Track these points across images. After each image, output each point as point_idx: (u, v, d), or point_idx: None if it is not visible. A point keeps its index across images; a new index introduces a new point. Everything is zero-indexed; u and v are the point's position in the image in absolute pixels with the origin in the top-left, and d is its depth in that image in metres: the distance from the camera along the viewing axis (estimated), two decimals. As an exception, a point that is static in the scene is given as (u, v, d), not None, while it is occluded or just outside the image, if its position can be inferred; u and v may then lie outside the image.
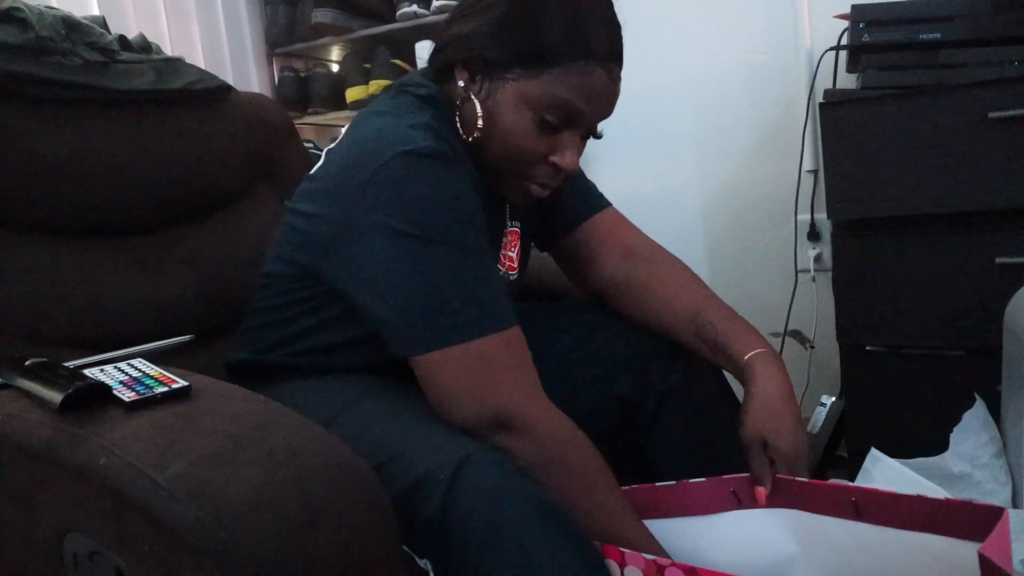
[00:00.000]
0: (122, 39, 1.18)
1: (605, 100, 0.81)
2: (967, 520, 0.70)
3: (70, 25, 1.07)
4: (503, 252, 0.95)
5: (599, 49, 0.77)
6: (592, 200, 1.01)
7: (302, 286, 0.85)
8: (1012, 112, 1.12)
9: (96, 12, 1.42)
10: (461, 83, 0.81)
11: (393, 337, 0.75)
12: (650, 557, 0.70)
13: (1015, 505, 1.02)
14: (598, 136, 0.85)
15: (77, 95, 1.04)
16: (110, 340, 1.01)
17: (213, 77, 1.23)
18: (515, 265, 0.96)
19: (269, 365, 0.89)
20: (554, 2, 0.77)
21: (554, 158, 0.81)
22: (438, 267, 0.73)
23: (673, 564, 0.68)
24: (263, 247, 0.99)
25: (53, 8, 1.09)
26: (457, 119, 0.82)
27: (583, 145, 0.84)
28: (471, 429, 0.72)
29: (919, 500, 0.73)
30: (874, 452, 1.05)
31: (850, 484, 0.78)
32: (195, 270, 1.14)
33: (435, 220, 0.73)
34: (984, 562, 0.61)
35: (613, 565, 0.72)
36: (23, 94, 0.99)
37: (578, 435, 0.76)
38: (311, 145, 1.83)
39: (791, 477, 0.80)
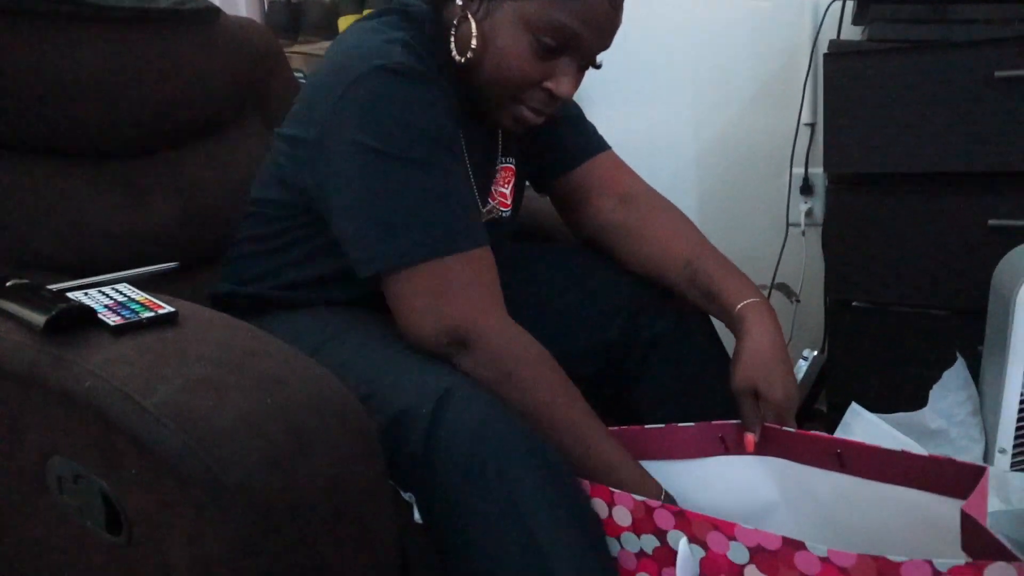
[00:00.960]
0: (103, -47, 1.13)
1: (605, 27, 0.78)
2: (948, 476, 0.71)
3: (49, -65, 1.02)
4: (495, 187, 0.93)
5: None
6: (591, 142, 0.99)
7: (288, 215, 0.84)
8: (1019, 72, 1.10)
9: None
10: (459, 1, 0.79)
11: (357, 256, 0.75)
12: (639, 498, 0.70)
13: (985, 462, 1.04)
14: (597, 66, 0.82)
15: (58, 9, 0.99)
16: (93, 265, 0.99)
17: (200, -1, 1.19)
18: (508, 202, 0.95)
19: (254, 297, 0.88)
20: None
21: (549, 84, 0.79)
22: (402, 185, 0.72)
23: (662, 506, 0.69)
24: (251, 176, 0.97)
25: (31, -85, 1.03)
26: (452, 39, 0.80)
27: (581, 75, 0.82)
28: (430, 348, 0.73)
29: (902, 455, 0.74)
30: (854, 406, 1.07)
31: (836, 436, 0.79)
32: (181, 197, 1.11)
33: (402, 137, 0.72)
34: (966, 519, 0.63)
35: (601, 504, 0.73)
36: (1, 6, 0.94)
37: (534, 350, 0.75)
38: (301, 75, 1.78)
39: (778, 426, 0.81)
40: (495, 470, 0.65)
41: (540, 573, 0.63)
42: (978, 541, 0.62)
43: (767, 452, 0.82)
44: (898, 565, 0.58)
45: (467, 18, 0.78)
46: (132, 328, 0.60)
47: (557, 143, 0.97)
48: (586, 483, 0.74)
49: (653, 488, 0.76)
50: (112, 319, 0.61)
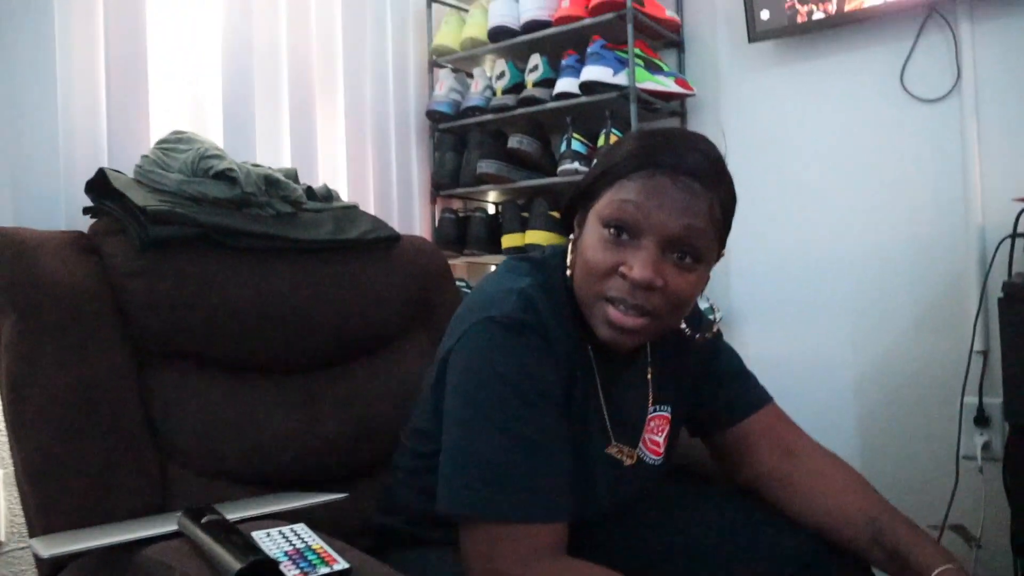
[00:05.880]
0: (308, 189, 1.30)
1: (668, 202, 0.77)
2: None
3: (270, 182, 1.19)
4: (648, 436, 0.93)
5: (663, 161, 0.78)
6: (754, 396, 0.98)
7: (433, 450, 0.85)
8: None
9: (289, 164, 1.58)
10: (571, 239, 0.86)
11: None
12: None
13: None
14: (697, 258, 0.79)
15: (267, 244, 1.14)
16: (271, 477, 1.06)
17: (384, 226, 1.32)
18: (660, 450, 0.94)
19: (402, 532, 0.91)
20: (632, 136, 0.83)
21: (623, 268, 0.78)
22: (478, 440, 0.76)
23: None
24: (414, 389, 1.03)
25: (259, 166, 1.22)
26: (568, 271, 0.85)
27: (659, 257, 0.78)
28: None
29: None
30: None
31: None
32: (350, 409, 1.19)
33: (491, 394, 0.77)
34: None
35: None
36: (224, 244, 1.10)
37: None
38: (463, 284, 1.91)
39: None
40: None
41: None
42: None
43: None
44: None
45: (573, 242, 0.85)
46: (309, 583, 0.64)
47: (719, 398, 0.97)
48: None
49: None
50: (292, 572, 0.65)
